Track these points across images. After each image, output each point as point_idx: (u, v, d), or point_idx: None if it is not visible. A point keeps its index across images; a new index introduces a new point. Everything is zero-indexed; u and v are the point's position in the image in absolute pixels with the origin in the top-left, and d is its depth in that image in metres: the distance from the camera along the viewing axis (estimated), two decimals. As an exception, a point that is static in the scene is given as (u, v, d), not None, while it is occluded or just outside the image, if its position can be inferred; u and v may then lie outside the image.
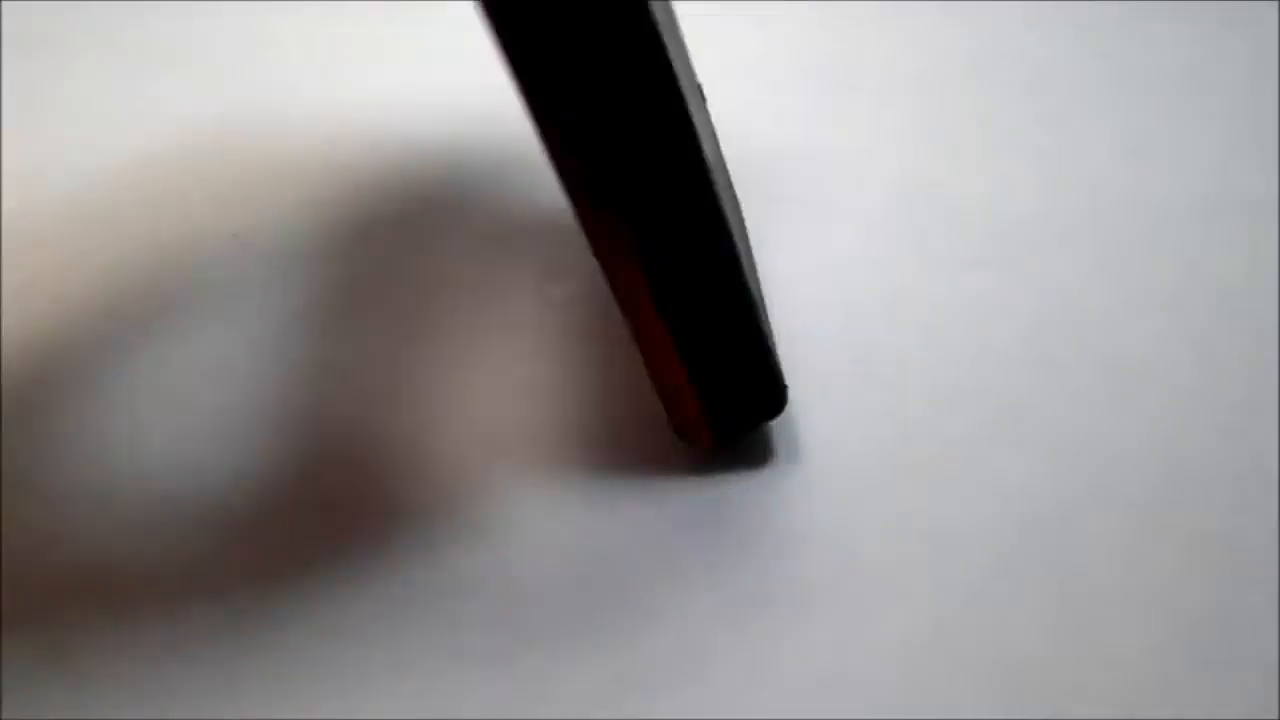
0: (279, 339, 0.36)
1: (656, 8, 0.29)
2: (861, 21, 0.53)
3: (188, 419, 0.33)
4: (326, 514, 0.31)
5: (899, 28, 0.53)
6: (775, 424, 0.33)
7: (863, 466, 0.33)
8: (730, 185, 0.34)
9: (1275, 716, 0.27)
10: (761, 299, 0.32)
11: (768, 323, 0.31)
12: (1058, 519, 0.32)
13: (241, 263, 0.40)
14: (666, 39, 0.28)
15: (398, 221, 0.41)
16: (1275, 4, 0.53)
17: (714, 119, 0.48)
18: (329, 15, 0.55)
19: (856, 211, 0.42)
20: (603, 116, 0.27)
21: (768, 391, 0.31)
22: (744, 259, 0.30)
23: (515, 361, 0.36)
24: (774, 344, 0.31)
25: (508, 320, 0.36)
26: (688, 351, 0.30)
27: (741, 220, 0.34)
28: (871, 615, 0.30)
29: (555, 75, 0.27)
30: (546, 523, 0.31)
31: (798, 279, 0.39)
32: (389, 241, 0.40)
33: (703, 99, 0.32)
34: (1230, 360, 0.36)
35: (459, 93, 0.49)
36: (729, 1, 0.55)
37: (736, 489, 0.32)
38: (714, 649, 0.28)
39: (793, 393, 0.35)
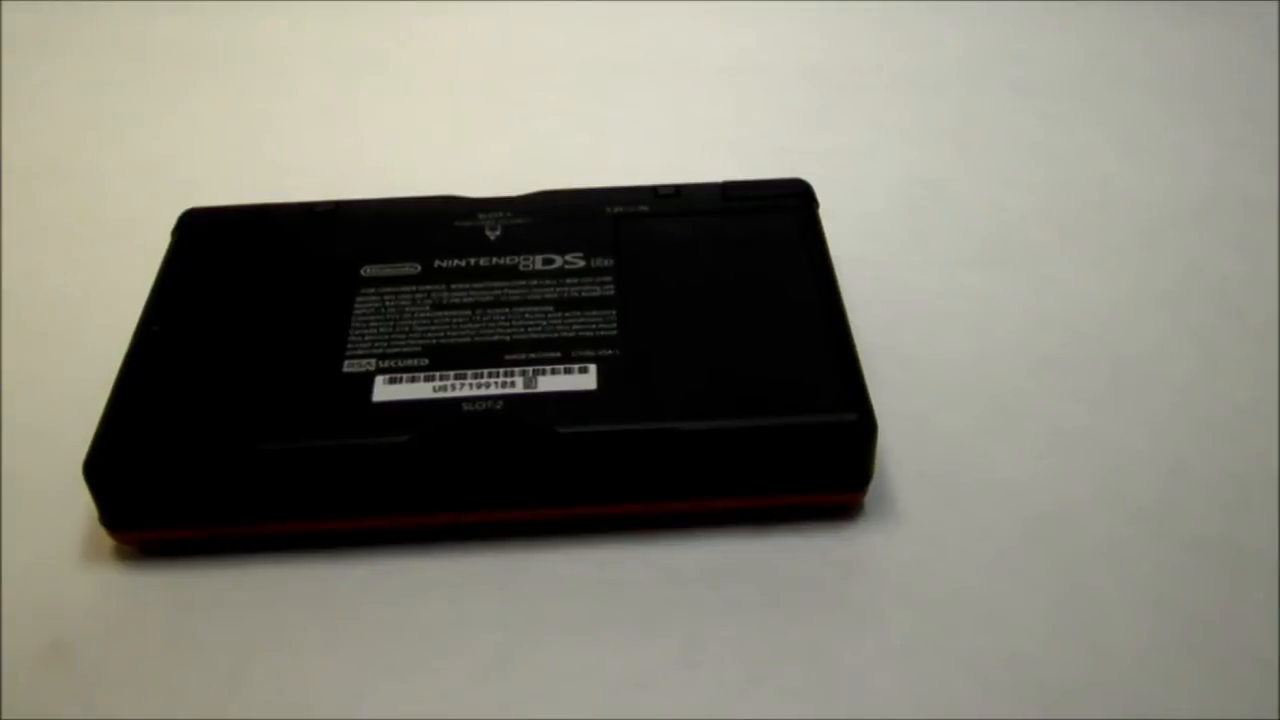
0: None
1: None
2: (862, 22, 0.54)
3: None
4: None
5: (899, 28, 0.53)
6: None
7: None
8: None
9: (1275, 717, 0.27)
10: None
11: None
12: (1058, 518, 0.32)
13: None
14: None
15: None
16: (1275, 4, 0.53)
17: (713, 119, 0.48)
18: (336, 18, 0.55)
19: (857, 211, 0.42)
20: None
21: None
22: None
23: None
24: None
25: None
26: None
27: None
28: (871, 616, 0.30)
29: None
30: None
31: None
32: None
33: None
34: (1230, 359, 0.36)
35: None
36: (728, 1, 0.55)
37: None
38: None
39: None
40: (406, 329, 0.32)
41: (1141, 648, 0.29)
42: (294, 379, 0.31)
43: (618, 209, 0.36)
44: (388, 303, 0.33)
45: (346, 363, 0.32)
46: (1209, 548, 0.31)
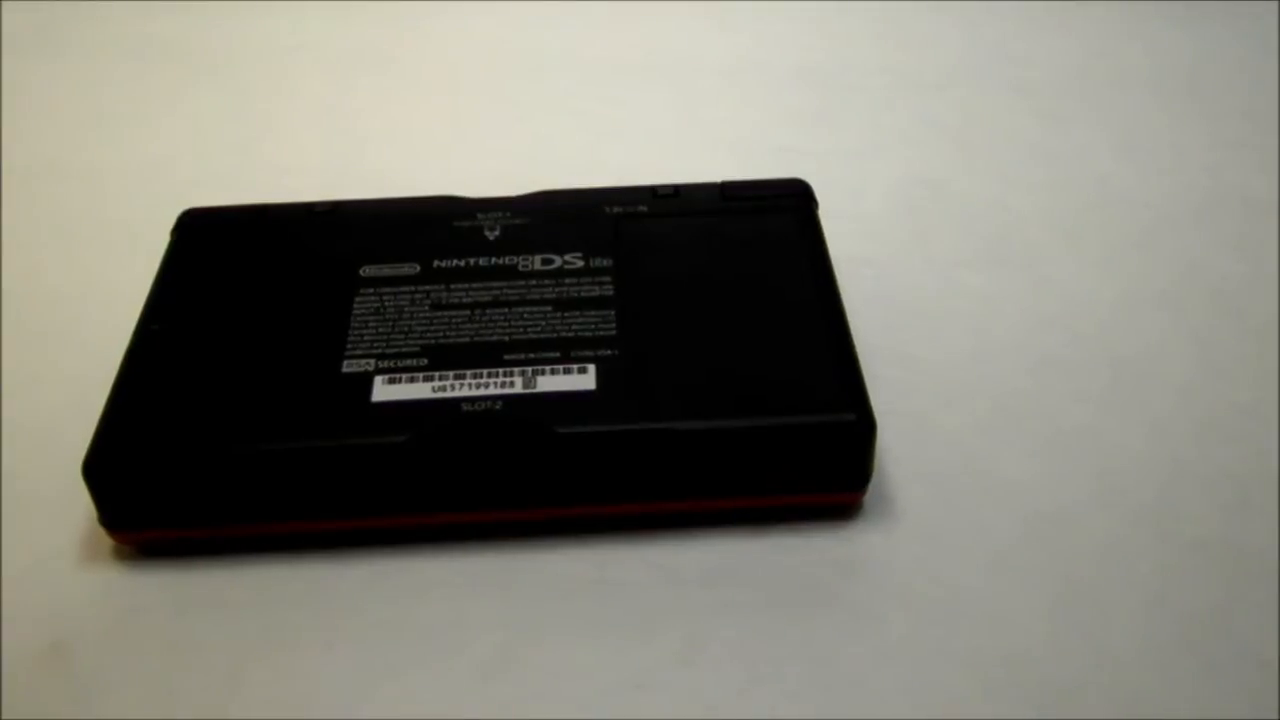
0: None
1: None
2: (862, 22, 0.54)
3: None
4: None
5: (899, 28, 0.53)
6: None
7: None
8: None
9: (1275, 717, 0.27)
10: None
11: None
12: (1057, 518, 0.32)
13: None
14: None
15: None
16: (1275, 4, 0.53)
17: (713, 119, 0.48)
18: (335, 18, 0.55)
19: (856, 211, 0.42)
20: None
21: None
22: None
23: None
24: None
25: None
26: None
27: None
28: (870, 616, 0.30)
29: None
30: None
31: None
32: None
33: None
34: (1229, 359, 0.36)
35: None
36: (728, 2, 0.55)
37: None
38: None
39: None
40: (405, 329, 0.32)
41: (1141, 648, 0.29)
42: (293, 379, 0.31)
43: (617, 209, 0.36)
44: (387, 303, 0.33)
45: (345, 363, 0.31)
46: (1208, 548, 0.31)
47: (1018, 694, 0.28)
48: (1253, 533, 0.31)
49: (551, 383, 0.31)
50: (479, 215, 0.36)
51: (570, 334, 0.32)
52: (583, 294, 0.33)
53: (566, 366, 0.31)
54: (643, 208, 0.36)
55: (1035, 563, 0.31)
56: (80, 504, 0.31)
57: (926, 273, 0.40)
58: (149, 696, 0.28)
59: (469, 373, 0.31)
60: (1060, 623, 0.29)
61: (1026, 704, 0.27)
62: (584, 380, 0.31)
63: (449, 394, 0.31)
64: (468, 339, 0.32)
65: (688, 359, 0.31)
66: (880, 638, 0.29)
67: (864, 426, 0.30)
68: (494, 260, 0.35)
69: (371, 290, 0.34)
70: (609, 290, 0.33)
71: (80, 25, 0.54)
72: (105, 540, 0.31)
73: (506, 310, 0.33)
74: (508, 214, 0.36)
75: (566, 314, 0.33)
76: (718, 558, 0.31)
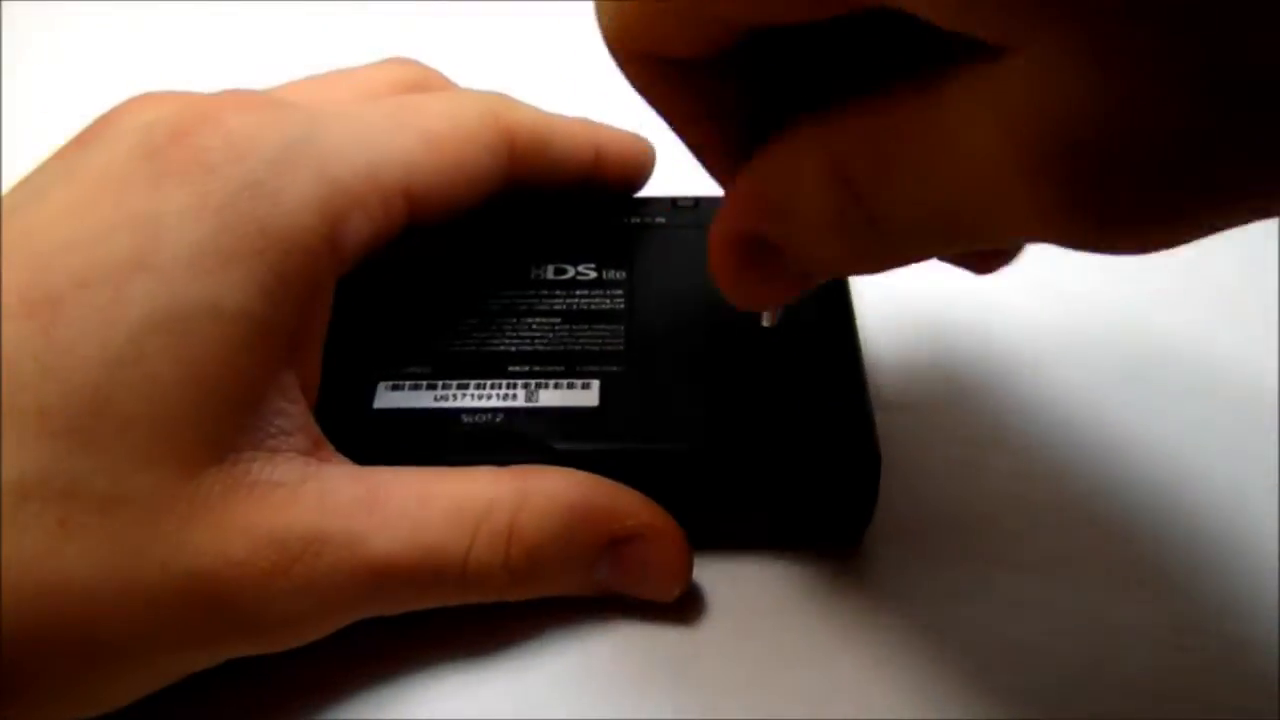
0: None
1: None
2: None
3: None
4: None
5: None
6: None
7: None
8: None
9: (1276, 718, 0.27)
10: None
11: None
12: (1059, 525, 0.32)
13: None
14: None
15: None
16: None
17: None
18: (336, 18, 0.55)
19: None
20: None
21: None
22: None
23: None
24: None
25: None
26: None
27: None
28: (872, 633, 0.29)
29: None
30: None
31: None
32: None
33: None
34: (1230, 359, 0.36)
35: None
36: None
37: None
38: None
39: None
40: (411, 335, 0.32)
41: (1141, 649, 0.29)
42: None
43: (634, 219, 0.36)
44: (393, 308, 0.33)
45: (349, 368, 0.31)
46: (1209, 548, 0.31)
47: (1018, 697, 0.28)
48: (1254, 533, 0.31)
49: (554, 397, 0.30)
50: (491, 220, 0.36)
51: (578, 347, 0.31)
52: (593, 306, 0.33)
53: (570, 381, 0.31)
54: (661, 219, 0.36)
55: (1037, 568, 0.30)
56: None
57: (925, 274, 0.39)
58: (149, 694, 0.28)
59: (472, 383, 0.31)
60: (1063, 632, 0.29)
61: (1027, 708, 0.28)
62: (587, 396, 0.30)
63: (450, 404, 0.30)
64: (474, 348, 0.32)
65: (694, 379, 0.31)
66: (882, 654, 0.29)
67: (869, 462, 0.29)
68: (505, 267, 0.34)
69: (378, 294, 0.33)
70: (620, 304, 0.33)
71: (80, 25, 0.54)
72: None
73: (515, 320, 0.32)
74: (522, 220, 0.35)
75: (575, 326, 0.32)
76: (714, 577, 0.30)
